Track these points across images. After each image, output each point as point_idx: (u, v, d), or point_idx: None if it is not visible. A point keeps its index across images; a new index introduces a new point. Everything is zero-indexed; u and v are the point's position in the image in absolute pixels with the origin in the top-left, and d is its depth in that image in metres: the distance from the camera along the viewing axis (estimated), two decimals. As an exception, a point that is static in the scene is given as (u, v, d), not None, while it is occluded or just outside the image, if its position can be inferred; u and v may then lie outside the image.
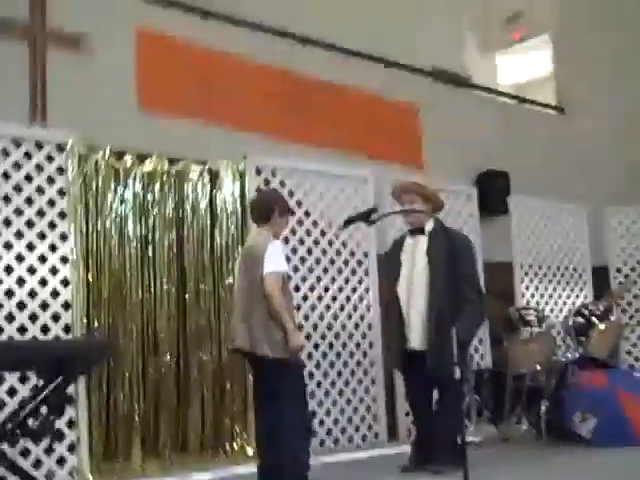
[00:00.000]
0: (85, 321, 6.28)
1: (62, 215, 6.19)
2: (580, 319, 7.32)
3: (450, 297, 5.26)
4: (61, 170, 6.25)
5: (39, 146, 6.19)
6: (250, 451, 6.87)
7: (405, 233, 5.98)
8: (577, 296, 9.34)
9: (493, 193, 9.89)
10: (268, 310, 4.83)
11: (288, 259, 6.62)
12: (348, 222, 5.16)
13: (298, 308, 6.94)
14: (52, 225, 6.14)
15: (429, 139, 10.03)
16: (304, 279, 7.22)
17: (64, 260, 6.15)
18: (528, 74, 13.42)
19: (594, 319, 7.31)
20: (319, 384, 7.14)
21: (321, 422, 7.14)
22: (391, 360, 6.09)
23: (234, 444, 6.99)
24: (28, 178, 6.11)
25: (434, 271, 5.57)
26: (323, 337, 7.30)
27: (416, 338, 5.61)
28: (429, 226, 5.75)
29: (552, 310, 9.04)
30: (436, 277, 5.54)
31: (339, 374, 7.34)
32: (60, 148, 6.27)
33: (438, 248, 5.56)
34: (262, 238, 5.02)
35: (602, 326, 7.22)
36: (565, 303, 9.24)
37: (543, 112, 12.04)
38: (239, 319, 4.95)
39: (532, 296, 8.95)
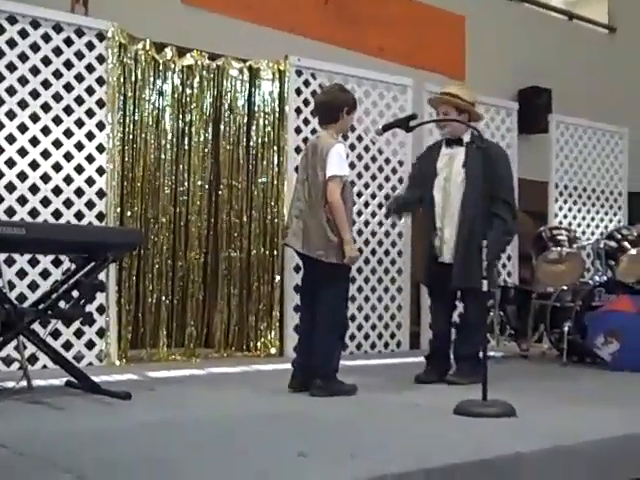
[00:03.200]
0: (118, 210, 6.35)
1: (100, 104, 6.20)
2: (612, 243, 7.24)
3: (483, 212, 5.21)
4: (101, 59, 6.25)
5: (80, 33, 6.18)
6: (273, 350, 7.00)
7: (441, 141, 5.86)
8: (611, 220, 9.27)
9: (534, 110, 9.75)
10: (326, 213, 4.79)
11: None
12: (387, 127, 5.09)
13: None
14: (90, 113, 6.16)
15: (473, 51, 9.86)
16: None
17: (100, 149, 6.19)
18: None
19: (626, 244, 7.22)
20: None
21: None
22: (419, 269, 6.06)
23: (258, 342, 7.10)
24: (68, 64, 6.10)
25: (471, 186, 5.47)
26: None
27: (447, 251, 5.58)
28: (466, 137, 5.64)
29: (584, 232, 9.00)
30: (472, 192, 5.45)
31: (366, 280, 7.39)
32: (101, 36, 6.25)
33: (475, 161, 5.47)
34: (327, 139, 4.92)
35: (634, 251, 7.13)
36: (598, 226, 9.18)
37: (593, 30, 11.74)
38: (294, 215, 4.91)
39: (565, 217, 8.91)
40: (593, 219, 9.18)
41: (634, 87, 11.24)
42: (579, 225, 9.01)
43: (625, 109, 10.59)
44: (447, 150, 5.70)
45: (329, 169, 4.79)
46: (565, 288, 7.18)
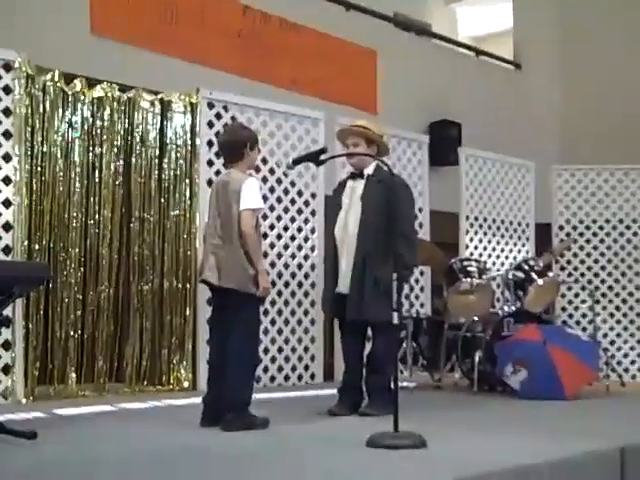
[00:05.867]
0: (26, 244, 6.21)
1: (6, 135, 6.09)
2: (520, 273, 7.40)
3: (379, 245, 5.28)
4: (7, 90, 6.14)
5: (-16, 64, 6.06)
6: (186, 383, 6.93)
7: (349, 175, 5.89)
8: (519, 251, 9.46)
9: (444, 143, 9.96)
10: (241, 246, 4.81)
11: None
12: (297, 161, 5.12)
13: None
14: (-5, 145, 6.04)
15: (385, 85, 10.02)
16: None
17: (7, 181, 6.06)
18: (487, 27, 13.43)
19: (533, 274, 7.39)
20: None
21: (258, 359, 7.20)
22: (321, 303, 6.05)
23: (170, 376, 7.01)
24: (-28, 96, 5.99)
25: (365, 217, 5.53)
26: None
27: (343, 282, 5.57)
28: (369, 170, 5.67)
29: (494, 263, 9.15)
30: (367, 224, 5.50)
31: (279, 313, 7.38)
32: (7, 67, 6.15)
33: (374, 193, 5.52)
34: (237, 174, 4.97)
35: (540, 282, 7.30)
36: (507, 257, 9.36)
37: (499, 66, 12.08)
38: (209, 252, 4.93)
39: (475, 248, 9.05)
40: (502, 250, 9.36)
41: (539, 122, 11.59)
42: (489, 256, 9.17)
43: (531, 143, 10.90)
44: (350, 183, 5.75)
45: (242, 202, 4.84)
46: (476, 318, 7.30)
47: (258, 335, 5.16)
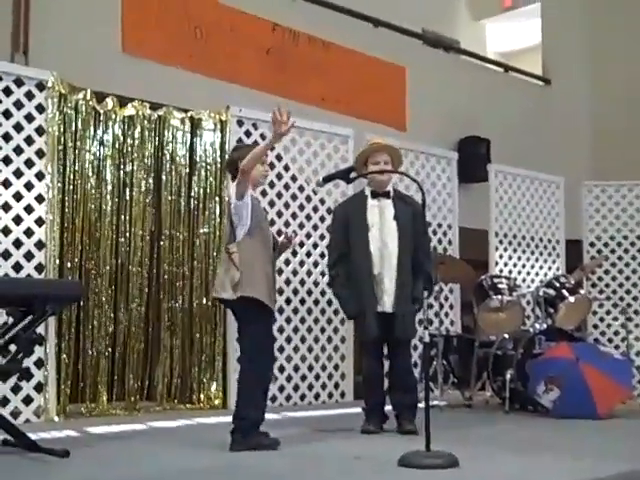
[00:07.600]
0: (58, 261, 6.25)
1: (39, 154, 6.14)
2: (551, 291, 7.35)
3: (410, 263, 5.42)
4: (40, 108, 6.19)
5: (19, 83, 6.12)
6: (217, 401, 6.93)
7: (362, 192, 5.79)
8: (549, 268, 9.39)
9: (474, 159, 9.92)
10: (227, 252, 4.77)
11: (265, 210, 6.62)
12: (327, 179, 5.10)
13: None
14: (29, 163, 6.09)
15: (414, 101, 10.01)
16: (279, 233, 7.18)
17: (39, 199, 6.11)
18: (516, 43, 13.42)
19: (564, 291, 7.34)
20: (289, 340, 7.16)
21: (289, 378, 7.19)
22: (363, 322, 5.86)
23: (201, 394, 7.01)
24: (6, 114, 6.04)
25: (404, 237, 5.54)
26: (295, 292, 7.32)
27: (388, 300, 5.52)
28: (390, 189, 5.69)
29: (524, 280, 9.08)
30: (405, 243, 5.53)
31: (309, 330, 7.37)
32: (40, 86, 6.20)
33: (405, 213, 5.57)
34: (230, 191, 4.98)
35: (572, 299, 7.26)
36: (537, 274, 9.29)
37: (528, 82, 12.04)
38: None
39: (505, 265, 8.99)
40: (532, 267, 9.29)
41: (569, 137, 11.53)
42: (519, 273, 9.10)
43: (561, 159, 10.84)
44: (375, 202, 5.67)
45: (231, 199, 4.81)
46: (506, 336, 7.24)
47: (267, 350, 4.89)
